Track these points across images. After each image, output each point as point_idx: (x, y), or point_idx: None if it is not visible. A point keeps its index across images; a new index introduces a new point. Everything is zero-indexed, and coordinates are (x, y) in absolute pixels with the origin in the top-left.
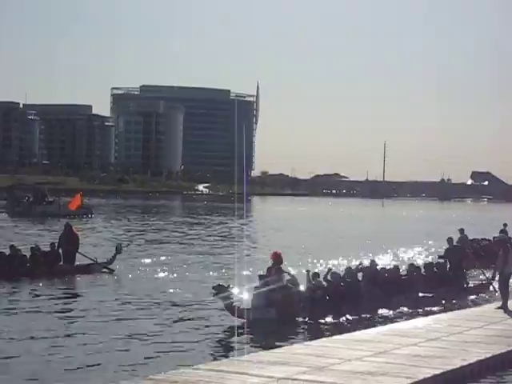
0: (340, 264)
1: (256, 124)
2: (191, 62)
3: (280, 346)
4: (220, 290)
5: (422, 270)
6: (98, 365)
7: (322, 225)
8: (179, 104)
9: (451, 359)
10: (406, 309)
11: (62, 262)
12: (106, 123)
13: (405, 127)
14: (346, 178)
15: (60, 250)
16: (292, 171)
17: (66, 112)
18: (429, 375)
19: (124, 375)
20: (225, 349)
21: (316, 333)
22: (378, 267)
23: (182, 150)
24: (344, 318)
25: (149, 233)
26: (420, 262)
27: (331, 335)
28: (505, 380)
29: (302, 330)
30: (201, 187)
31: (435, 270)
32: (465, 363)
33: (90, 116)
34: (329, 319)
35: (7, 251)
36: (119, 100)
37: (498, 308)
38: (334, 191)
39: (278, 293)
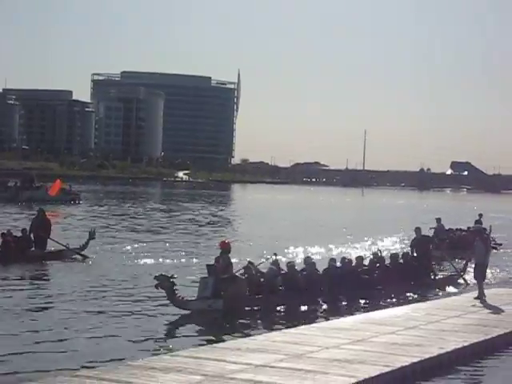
0: (317, 252)
1: (237, 112)
2: (172, 48)
3: (250, 335)
4: (162, 279)
5: (387, 261)
6: (75, 351)
7: (301, 213)
8: (160, 90)
9: (429, 347)
10: (364, 301)
11: (33, 248)
12: (87, 109)
13: (386, 116)
14: (326, 166)
15: (32, 236)
16: (272, 159)
17: (47, 97)
18: (406, 363)
19: (100, 361)
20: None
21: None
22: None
23: (162, 137)
24: (314, 307)
25: (130, 219)
26: (391, 252)
27: (305, 323)
28: (481, 368)
29: (249, 321)
30: (180, 174)
31: (400, 260)
32: (442, 351)
33: (70, 101)
34: (296, 308)
35: None
36: (100, 86)
37: (475, 298)
38: (313, 179)
39: (227, 283)
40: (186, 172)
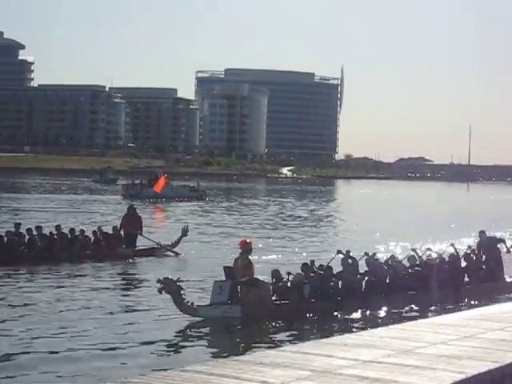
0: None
1: (340, 107)
2: (276, 45)
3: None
4: (167, 283)
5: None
6: (176, 350)
7: (407, 208)
8: (263, 87)
9: None
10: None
11: (124, 246)
12: (191, 106)
13: (491, 109)
14: (431, 161)
15: (122, 233)
16: (376, 155)
17: (152, 95)
18: None
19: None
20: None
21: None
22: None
23: (266, 133)
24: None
25: (246, 215)
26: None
27: (410, 320)
28: None
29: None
30: (285, 170)
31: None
32: None
33: (175, 99)
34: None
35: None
36: (204, 83)
37: None
38: (418, 175)
39: (246, 287)
40: (290, 168)
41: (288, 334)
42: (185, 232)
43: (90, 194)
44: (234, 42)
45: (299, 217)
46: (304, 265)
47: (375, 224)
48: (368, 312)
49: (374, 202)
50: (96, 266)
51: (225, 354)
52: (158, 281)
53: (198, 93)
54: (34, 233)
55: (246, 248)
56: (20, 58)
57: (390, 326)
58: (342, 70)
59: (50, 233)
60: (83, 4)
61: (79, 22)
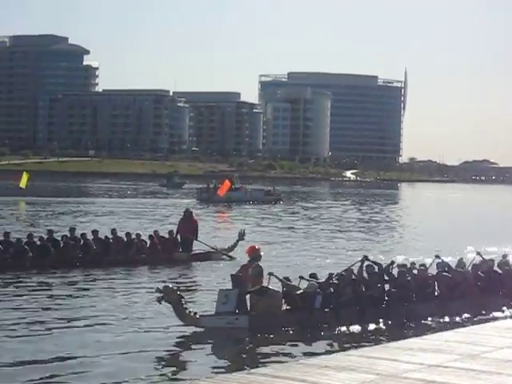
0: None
1: (404, 110)
2: (339, 48)
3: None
4: (167, 292)
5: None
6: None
7: (474, 211)
8: (326, 90)
9: None
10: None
11: (180, 250)
12: (254, 110)
13: None
14: (496, 164)
15: (178, 237)
16: (440, 157)
17: (215, 99)
18: None
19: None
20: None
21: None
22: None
23: (329, 137)
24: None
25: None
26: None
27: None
28: None
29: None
30: (348, 173)
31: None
32: None
33: (238, 103)
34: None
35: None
36: (267, 87)
37: None
38: (483, 178)
39: (255, 296)
40: (354, 171)
41: (300, 345)
42: (241, 236)
43: (163, 197)
44: (297, 46)
45: (365, 220)
46: (312, 275)
47: (444, 226)
48: (389, 322)
49: (441, 204)
50: (151, 270)
51: (232, 367)
52: (157, 289)
53: (262, 96)
54: (89, 237)
55: (255, 255)
56: (85, 63)
57: (456, 330)
58: (405, 72)
59: (106, 237)
60: (147, 9)
61: (143, 27)
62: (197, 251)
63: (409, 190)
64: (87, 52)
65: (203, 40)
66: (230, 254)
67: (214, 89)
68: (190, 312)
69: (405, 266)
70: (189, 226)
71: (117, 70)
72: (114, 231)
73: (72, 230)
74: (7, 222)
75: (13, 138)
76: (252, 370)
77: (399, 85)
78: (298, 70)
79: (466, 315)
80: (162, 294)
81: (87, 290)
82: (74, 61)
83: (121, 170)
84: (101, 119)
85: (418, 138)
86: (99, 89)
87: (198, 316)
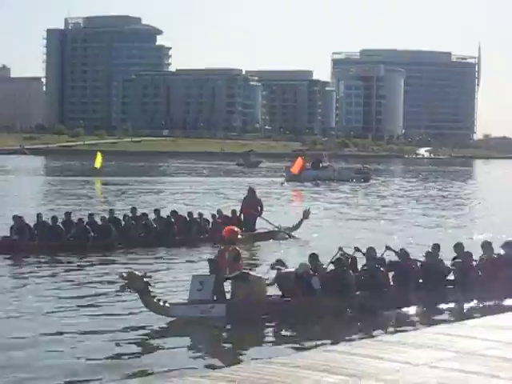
0: None
1: (478, 86)
2: (411, 24)
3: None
4: (132, 279)
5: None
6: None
7: None
8: (400, 67)
9: None
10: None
11: (243, 229)
12: (327, 88)
13: None
14: None
15: (242, 216)
16: None
17: (288, 77)
18: None
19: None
20: None
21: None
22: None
23: (402, 114)
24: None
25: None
26: None
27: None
28: None
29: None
30: (422, 151)
31: None
32: None
33: (310, 81)
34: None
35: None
36: (340, 65)
37: None
38: None
39: (235, 283)
40: (428, 149)
41: (285, 337)
42: (306, 215)
43: (246, 176)
44: (370, 23)
45: (439, 197)
46: (312, 256)
47: None
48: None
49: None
50: (213, 250)
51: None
52: (120, 276)
53: (334, 74)
54: (152, 216)
55: (232, 238)
56: (158, 43)
57: None
58: (479, 48)
59: (168, 216)
60: None
61: (215, 7)
62: (260, 230)
63: (484, 167)
64: (160, 32)
65: (276, 18)
66: (294, 233)
67: (286, 67)
68: (158, 300)
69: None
70: (252, 204)
71: (189, 49)
72: (174, 212)
73: (134, 209)
74: (82, 202)
75: (87, 119)
76: (329, 347)
77: (473, 61)
78: (371, 47)
79: None
80: (126, 281)
81: (147, 268)
82: (147, 41)
83: (195, 150)
84: (174, 99)
85: (492, 115)
86: (172, 69)
87: (167, 305)
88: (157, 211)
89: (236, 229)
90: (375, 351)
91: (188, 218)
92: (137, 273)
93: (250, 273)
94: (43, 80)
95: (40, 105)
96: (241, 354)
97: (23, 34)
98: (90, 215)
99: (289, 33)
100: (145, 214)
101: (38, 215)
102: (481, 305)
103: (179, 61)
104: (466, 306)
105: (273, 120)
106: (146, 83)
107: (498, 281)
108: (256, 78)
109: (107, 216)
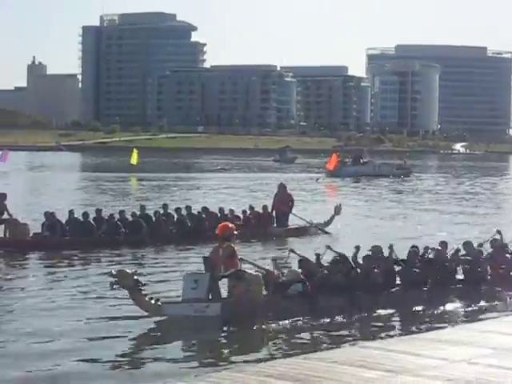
0: None
1: None
2: (447, 19)
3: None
4: (121, 276)
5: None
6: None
7: None
8: (435, 63)
9: None
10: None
11: (275, 225)
12: (362, 84)
13: None
14: None
15: (273, 212)
16: None
17: (322, 73)
18: None
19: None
20: None
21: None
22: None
23: (438, 109)
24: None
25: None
26: None
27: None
28: None
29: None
30: (457, 146)
31: None
32: None
33: (345, 77)
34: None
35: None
36: (374, 60)
37: None
38: None
39: (230, 282)
40: (463, 144)
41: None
42: (338, 211)
43: (282, 171)
44: (404, 18)
45: (475, 193)
46: (301, 261)
47: None
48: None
49: None
50: (244, 246)
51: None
52: (110, 273)
53: (369, 70)
54: (183, 212)
55: (227, 234)
56: (192, 39)
57: None
58: None
59: (198, 212)
60: None
61: (249, 2)
62: (292, 226)
63: None
64: (195, 28)
65: (310, 14)
66: (326, 228)
67: (321, 63)
68: (150, 299)
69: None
70: (283, 200)
71: (224, 45)
72: (205, 208)
73: (165, 205)
74: (118, 198)
75: (123, 116)
76: (365, 344)
77: (509, 55)
78: (406, 42)
79: None
80: (115, 279)
81: (178, 264)
82: (181, 37)
83: (229, 146)
84: (209, 95)
85: None
86: (207, 65)
87: (159, 303)
88: (188, 208)
89: (230, 225)
90: (412, 348)
91: (219, 214)
92: (127, 270)
93: (247, 271)
94: (79, 77)
95: (76, 102)
96: (275, 350)
97: (59, 31)
98: (121, 212)
99: (324, 28)
100: (177, 210)
101: (70, 212)
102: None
103: (214, 57)
104: (496, 303)
105: (307, 116)
106: (180, 80)
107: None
108: (291, 74)
109: (138, 212)
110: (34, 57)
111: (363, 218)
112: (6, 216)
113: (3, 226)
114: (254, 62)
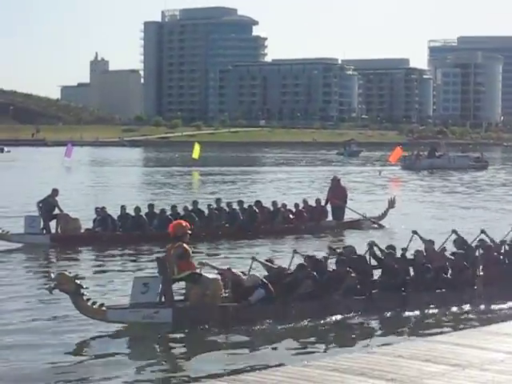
0: None
1: None
2: (507, 10)
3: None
4: (62, 280)
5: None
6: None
7: None
8: (498, 54)
9: None
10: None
11: (329, 218)
12: (424, 76)
13: None
14: None
15: (327, 206)
16: None
17: (384, 66)
18: None
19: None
20: None
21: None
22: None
23: (501, 101)
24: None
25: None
26: None
27: None
28: None
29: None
30: None
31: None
32: None
33: (407, 69)
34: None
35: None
36: (436, 52)
37: None
38: None
39: (188, 285)
40: None
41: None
42: (392, 204)
43: (347, 165)
44: (467, 10)
45: None
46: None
47: None
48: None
49: None
50: (297, 239)
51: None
52: (50, 277)
53: (431, 62)
54: (235, 207)
55: (180, 233)
56: (254, 34)
57: None
58: None
59: (250, 206)
60: None
61: None
62: (346, 219)
63: None
64: (256, 23)
65: (371, 6)
66: (381, 222)
67: (382, 56)
68: (93, 304)
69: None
70: (337, 193)
71: (285, 39)
72: (258, 202)
73: (218, 200)
74: (179, 192)
75: (185, 110)
76: (430, 338)
77: None
78: (468, 33)
79: None
80: (55, 283)
81: (228, 258)
82: (243, 32)
83: (290, 140)
84: (270, 89)
85: None
86: (268, 59)
87: (103, 308)
88: (240, 202)
89: (184, 224)
90: (477, 341)
91: (272, 208)
92: (67, 274)
93: (203, 273)
94: (141, 72)
95: (138, 97)
96: (339, 345)
97: (121, 27)
98: (173, 206)
99: (385, 21)
100: (229, 204)
101: (122, 207)
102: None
103: (275, 51)
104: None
105: (369, 109)
106: (242, 74)
107: None
108: (352, 67)
109: (190, 207)
110: (96, 53)
111: (421, 210)
112: (57, 211)
113: (55, 221)
114: (315, 56)
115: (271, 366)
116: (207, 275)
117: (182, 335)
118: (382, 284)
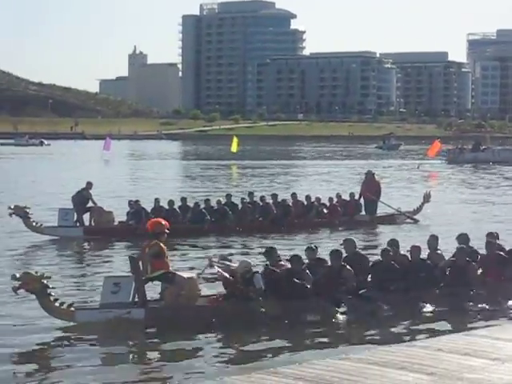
0: None
1: None
2: None
3: None
4: (27, 280)
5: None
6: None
7: None
8: None
9: None
10: None
11: (363, 212)
12: (463, 69)
13: None
14: None
15: (361, 200)
16: None
17: (422, 59)
18: None
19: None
20: None
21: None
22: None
23: None
24: None
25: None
26: None
27: None
28: None
29: None
30: None
31: None
32: None
33: (446, 63)
34: None
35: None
36: (475, 45)
37: None
38: None
39: (163, 285)
40: None
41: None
42: (427, 198)
43: (387, 158)
44: (506, 2)
45: None
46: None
47: None
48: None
49: None
50: (331, 234)
51: None
52: (13, 276)
53: (470, 55)
54: (269, 201)
55: (158, 231)
56: (292, 27)
57: None
58: None
59: (283, 200)
60: None
61: None
62: (380, 214)
63: None
64: (294, 16)
65: None
66: (415, 216)
67: (420, 49)
68: (61, 304)
69: None
70: (371, 187)
71: (323, 33)
72: (294, 195)
73: (251, 193)
74: (217, 185)
75: (223, 103)
76: (469, 332)
77: None
78: (508, 27)
79: None
80: (19, 282)
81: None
82: (281, 25)
83: (328, 133)
84: (308, 83)
85: None
86: (306, 52)
87: (72, 309)
88: (274, 195)
89: (163, 222)
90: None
91: (306, 202)
92: (33, 273)
93: (177, 273)
94: (179, 66)
95: (176, 90)
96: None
97: (159, 20)
98: (206, 200)
99: (423, 14)
100: (262, 198)
101: (156, 200)
102: None
103: (313, 44)
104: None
105: (407, 102)
106: (280, 67)
107: None
108: (390, 61)
109: (224, 200)
110: (134, 46)
111: (458, 205)
112: (90, 204)
113: (89, 214)
114: (353, 49)
115: (307, 360)
116: (182, 274)
117: (156, 335)
118: (418, 280)
